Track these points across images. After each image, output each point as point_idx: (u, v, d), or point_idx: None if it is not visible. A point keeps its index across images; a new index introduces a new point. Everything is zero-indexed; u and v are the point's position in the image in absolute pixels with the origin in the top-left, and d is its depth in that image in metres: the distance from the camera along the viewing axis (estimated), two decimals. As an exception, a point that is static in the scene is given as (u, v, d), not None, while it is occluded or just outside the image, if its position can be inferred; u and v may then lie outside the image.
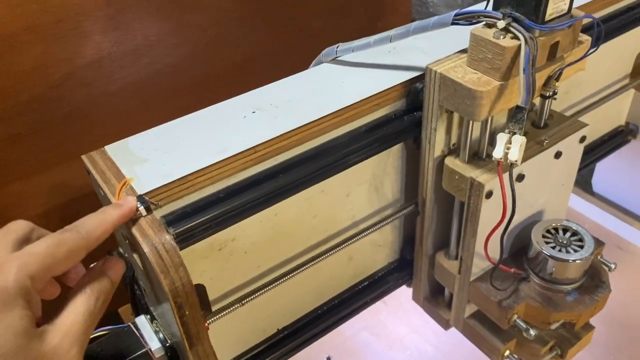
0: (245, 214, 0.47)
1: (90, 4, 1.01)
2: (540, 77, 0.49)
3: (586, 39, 0.51)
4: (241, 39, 1.29)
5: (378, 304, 0.67)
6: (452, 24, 0.49)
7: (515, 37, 0.45)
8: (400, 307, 0.82)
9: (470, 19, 0.48)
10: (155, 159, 0.46)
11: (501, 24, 0.46)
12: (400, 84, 0.53)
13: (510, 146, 0.46)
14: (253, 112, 0.50)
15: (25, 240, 0.37)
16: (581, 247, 0.55)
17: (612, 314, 0.81)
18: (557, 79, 0.50)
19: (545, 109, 0.56)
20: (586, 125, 0.57)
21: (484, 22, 0.48)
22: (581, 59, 0.50)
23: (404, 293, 0.69)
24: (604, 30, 0.71)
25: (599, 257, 0.61)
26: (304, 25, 1.37)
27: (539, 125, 0.57)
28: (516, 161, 0.45)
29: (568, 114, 0.77)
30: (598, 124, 0.87)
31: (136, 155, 0.46)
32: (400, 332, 0.83)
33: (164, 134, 0.48)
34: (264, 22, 1.31)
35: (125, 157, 0.46)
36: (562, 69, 0.49)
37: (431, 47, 0.57)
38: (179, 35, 1.17)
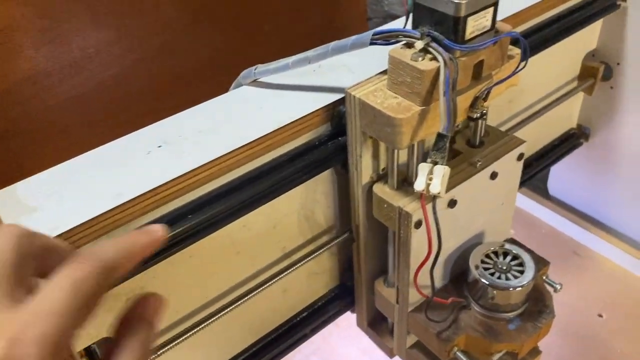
0: (150, 262, 0.43)
1: (21, 16, 0.95)
2: (466, 99, 0.45)
3: (517, 52, 0.48)
4: (188, 47, 1.24)
5: (329, 327, 0.64)
6: (371, 44, 0.45)
7: (435, 59, 0.42)
8: (351, 328, 0.79)
9: (388, 38, 0.45)
10: (46, 207, 0.41)
11: (419, 44, 0.43)
12: (322, 108, 0.49)
13: (432, 177, 0.42)
14: (159, 147, 0.46)
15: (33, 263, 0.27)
16: (522, 272, 0.52)
17: (568, 325, 0.79)
18: (485, 99, 0.46)
19: (480, 126, 0.53)
20: (523, 142, 0.54)
21: (403, 42, 0.44)
22: (510, 76, 0.46)
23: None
24: (549, 33, 0.68)
25: (544, 277, 0.58)
26: (254, 29, 1.32)
27: (474, 144, 0.54)
28: (439, 193, 0.42)
29: (514, 122, 0.74)
30: (549, 127, 0.84)
31: (25, 203, 0.42)
32: (352, 355, 0.80)
33: (59, 177, 0.44)
34: (212, 28, 1.26)
35: (13, 206, 0.42)
36: (489, 88, 0.46)
37: (359, 64, 0.53)
38: (120, 46, 1.12)
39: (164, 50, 1.20)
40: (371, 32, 0.45)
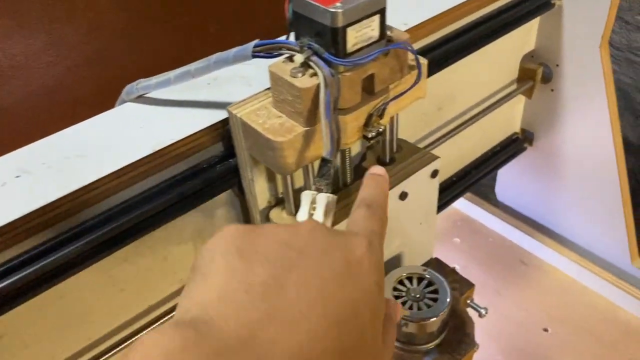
0: (6, 307, 0.38)
1: (-63, 24, 0.89)
2: (358, 118, 0.41)
3: (422, 62, 0.44)
4: (125, 52, 1.18)
5: None
6: (253, 56, 0.41)
7: (317, 74, 0.37)
8: None
9: (270, 50, 0.40)
10: None
11: (299, 58, 0.38)
12: (210, 127, 0.45)
13: (315, 206, 0.38)
14: (17, 177, 0.41)
15: None
16: (436, 299, 0.48)
17: (512, 341, 0.76)
18: (381, 116, 0.42)
19: (389, 141, 0.49)
20: (437, 158, 0.50)
21: (286, 55, 0.39)
22: (407, 91, 0.42)
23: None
24: (480, 34, 0.64)
25: (468, 301, 0.54)
26: (200, 31, 1.27)
27: (384, 162, 0.50)
28: (323, 226, 0.37)
29: (447, 129, 0.70)
30: (491, 132, 0.80)
31: None
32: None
33: None
34: (151, 31, 1.20)
35: None
36: (386, 104, 0.41)
37: (256, 75, 0.49)
38: (51, 53, 1.06)
39: (99, 56, 1.14)
40: (252, 43, 0.41)
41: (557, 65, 0.74)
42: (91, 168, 0.41)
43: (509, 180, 0.91)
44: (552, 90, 0.76)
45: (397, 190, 0.47)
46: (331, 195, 0.38)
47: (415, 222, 0.52)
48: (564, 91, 0.75)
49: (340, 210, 0.45)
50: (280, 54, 0.40)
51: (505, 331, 0.75)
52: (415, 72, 0.43)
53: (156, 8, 1.20)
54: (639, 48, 0.84)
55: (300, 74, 0.38)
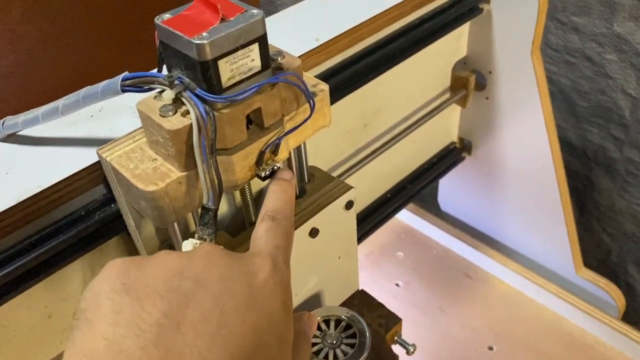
0: None
1: None
2: (247, 157, 0.36)
3: (321, 89, 0.39)
4: (50, 63, 1.11)
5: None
6: (123, 91, 0.35)
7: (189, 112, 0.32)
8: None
9: (140, 84, 0.35)
10: None
11: (169, 94, 0.33)
12: (86, 169, 0.39)
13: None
14: None
15: None
16: (354, 345, 0.44)
17: (455, 361, 0.72)
18: (275, 152, 0.37)
19: (296, 173, 0.44)
20: (350, 188, 0.45)
21: (158, 90, 0.34)
22: (301, 125, 0.37)
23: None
24: (403, 44, 0.60)
25: (396, 337, 0.50)
26: (131, 38, 1.20)
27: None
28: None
29: (378, 144, 0.66)
30: (427, 143, 0.77)
31: None
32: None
33: None
34: (78, 40, 1.14)
35: None
36: (279, 139, 0.37)
37: (146, 106, 0.43)
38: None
39: (20, 68, 1.07)
40: (121, 76, 0.35)
41: (490, 72, 0.70)
42: (-60, 227, 0.35)
43: (451, 190, 0.88)
44: (487, 98, 0.73)
45: (307, 227, 0.43)
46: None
47: (333, 257, 0.48)
48: (498, 99, 0.72)
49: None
50: (152, 88, 0.35)
51: (448, 352, 0.71)
52: (318, 98, 0.39)
53: (82, 17, 1.13)
54: (575, 49, 0.82)
55: (170, 113, 0.33)
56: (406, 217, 0.91)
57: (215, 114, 0.33)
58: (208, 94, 0.32)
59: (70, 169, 0.39)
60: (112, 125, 0.43)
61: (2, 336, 0.40)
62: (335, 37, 0.52)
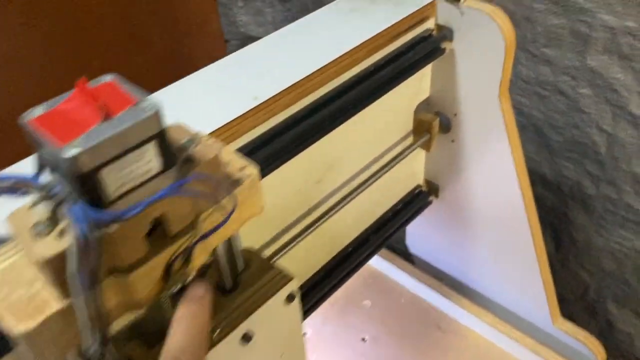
0: None
1: None
2: (150, 272, 0.29)
3: (248, 174, 0.33)
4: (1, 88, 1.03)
5: None
6: (-5, 195, 0.29)
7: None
8: None
9: (14, 188, 0.28)
10: None
11: (44, 208, 0.27)
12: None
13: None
14: None
15: None
16: None
17: None
18: (187, 263, 0.31)
19: (226, 268, 0.38)
20: (291, 279, 0.39)
21: (34, 198, 0.28)
22: (222, 224, 0.31)
23: None
24: (360, 94, 0.54)
25: None
26: (81, 66, 1.12)
27: (224, 288, 0.39)
28: None
29: (334, 200, 0.60)
30: (389, 190, 0.71)
31: None
32: None
33: None
34: (34, 65, 1.06)
35: None
36: (191, 247, 0.30)
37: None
38: None
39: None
40: (-6, 177, 0.29)
41: (455, 115, 0.65)
42: None
43: (420, 233, 0.82)
44: (453, 141, 0.67)
45: (238, 332, 0.37)
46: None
47: (274, 357, 0.41)
48: (465, 142, 0.66)
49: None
50: (27, 193, 0.28)
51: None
52: (244, 187, 0.33)
53: (26, 45, 1.05)
54: (547, 82, 0.77)
55: (45, 232, 0.26)
56: (373, 260, 0.85)
57: (102, 233, 0.26)
58: (90, 210, 0.26)
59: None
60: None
61: None
62: (277, 94, 0.46)
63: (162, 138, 0.27)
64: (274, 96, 0.46)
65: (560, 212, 0.89)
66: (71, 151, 0.24)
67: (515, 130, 0.62)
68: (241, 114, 0.44)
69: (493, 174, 0.66)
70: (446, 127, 0.67)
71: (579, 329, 0.71)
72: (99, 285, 0.26)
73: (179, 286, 0.31)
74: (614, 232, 0.84)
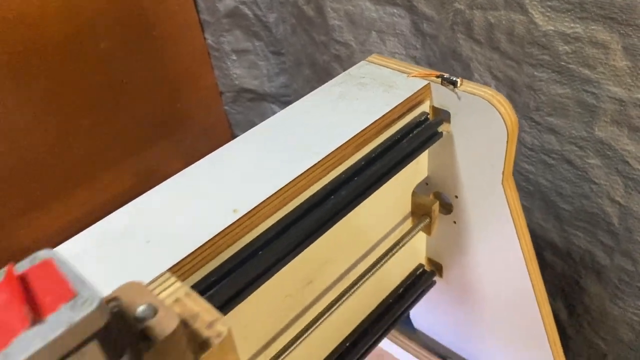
0: None
1: None
2: None
3: (218, 332, 0.29)
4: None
5: None
6: None
7: None
8: None
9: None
10: None
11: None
12: None
13: None
14: None
15: None
16: None
17: None
18: None
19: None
20: None
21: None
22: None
23: None
24: (356, 190, 0.50)
25: None
26: (71, 126, 1.10)
27: None
28: None
29: (330, 297, 0.56)
30: (390, 272, 0.66)
31: None
32: None
33: None
34: (20, 122, 1.03)
35: None
36: None
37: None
38: None
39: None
40: None
41: (457, 197, 0.61)
42: None
43: (424, 311, 0.78)
44: (455, 222, 0.63)
45: None
46: None
47: None
48: (468, 224, 0.62)
49: None
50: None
51: None
52: (218, 347, 0.29)
53: (21, 99, 1.03)
54: (553, 151, 0.73)
55: None
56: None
57: None
58: None
59: None
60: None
61: None
62: (258, 205, 0.43)
63: (106, 331, 0.23)
64: (255, 207, 0.42)
65: (572, 279, 0.84)
66: (-12, 375, 0.20)
67: (522, 215, 0.58)
68: (219, 231, 0.41)
69: (499, 259, 0.62)
70: (447, 208, 0.63)
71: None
72: None
73: None
74: (631, 303, 0.79)
